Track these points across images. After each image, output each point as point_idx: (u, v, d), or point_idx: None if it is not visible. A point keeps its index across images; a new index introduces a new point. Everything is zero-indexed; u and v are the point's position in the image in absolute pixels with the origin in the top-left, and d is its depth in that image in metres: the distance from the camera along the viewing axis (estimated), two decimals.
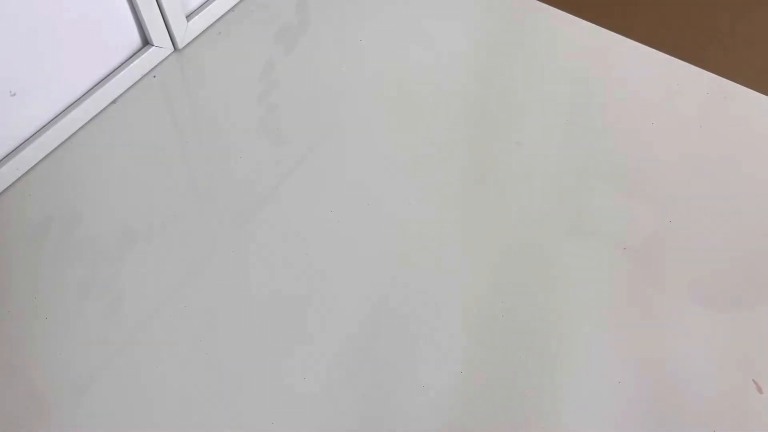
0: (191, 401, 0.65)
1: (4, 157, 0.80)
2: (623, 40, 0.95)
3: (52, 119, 0.84)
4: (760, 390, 0.65)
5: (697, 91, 0.89)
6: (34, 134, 0.82)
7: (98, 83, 0.87)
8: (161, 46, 0.92)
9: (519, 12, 0.99)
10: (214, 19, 0.98)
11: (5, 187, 0.81)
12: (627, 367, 0.67)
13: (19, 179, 0.81)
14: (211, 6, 0.96)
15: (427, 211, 0.78)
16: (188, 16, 0.94)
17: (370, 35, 0.97)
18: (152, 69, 0.92)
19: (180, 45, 0.94)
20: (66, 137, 0.85)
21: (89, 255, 0.75)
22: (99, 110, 0.88)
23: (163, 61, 0.93)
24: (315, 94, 0.90)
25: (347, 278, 0.73)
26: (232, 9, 1.00)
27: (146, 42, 0.91)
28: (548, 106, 0.88)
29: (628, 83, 0.90)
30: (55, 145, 0.84)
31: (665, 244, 0.75)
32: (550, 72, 0.92)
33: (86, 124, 0.86)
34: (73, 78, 0.84)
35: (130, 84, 0.90)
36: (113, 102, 0.89)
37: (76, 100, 0.86)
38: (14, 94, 0.78)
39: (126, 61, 0.89)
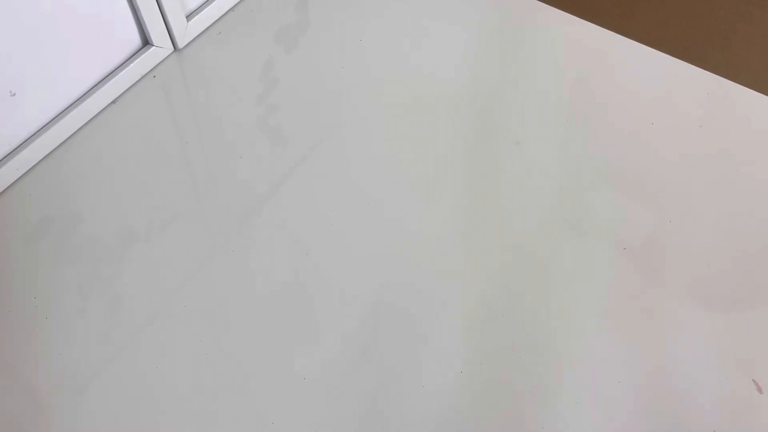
0: (191, 401, 0.65)
1: (4, 157, 0.80)
2: (623, 40, 0.95)
3: (52, 119, 0.84)
4: (760, 390, 0.65)
5: (697, 91, 0.89)
6: (34, 134, 0.82)
7: (98, 83, 0.87)
8: (161, 46, 0.92)
9: (519, 12, 0.99)
10: (214, 19, 0.98)
11: (5, 187, 0.81)
12: (627, 367, 0.67)
13: (19, 179, 0.81)
14: (211, 6, 0.96)
15: (427, 211, 0.78)
16: (188, 16, 0.94)
17: (370, 35, 0.97)
18: (152, 69, 0.92)
19: (180, 45, 0.94)
20: (66, 137, 0.85)
21: (89, 255, 0.75)
22: (99, 110, 0.88)
23: (163, 61, 0.93)
24: (315, 94, 0.90)
25: (347, 278, 0.73)
26: (232, 9, 1.00)
27: (146, 42, 0.91)
28: (548, 106, 0.88)
29: (628, 83, 0.90)
30: (55, 145, 0.84)
31: (665, 244, 0.75)
32: (550, 72, 0.92)
33: (86, 124, 0.86)
34: (73, 78, 0.84)
35: (130, 84, 0.90)
36: (113, 102, 0.89)
37: (76, 100, 0.86)
38: (14, 94, 0.78)
39: (126, 61, 0.89)
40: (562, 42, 0.95)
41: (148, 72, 0.92)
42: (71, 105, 0.85)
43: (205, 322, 0.70)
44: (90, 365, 0.67)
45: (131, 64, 0.89)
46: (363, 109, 0.88)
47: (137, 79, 0.91)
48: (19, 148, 0.81)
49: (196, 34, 0.96)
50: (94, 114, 0.87)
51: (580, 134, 0.85)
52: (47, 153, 0.84)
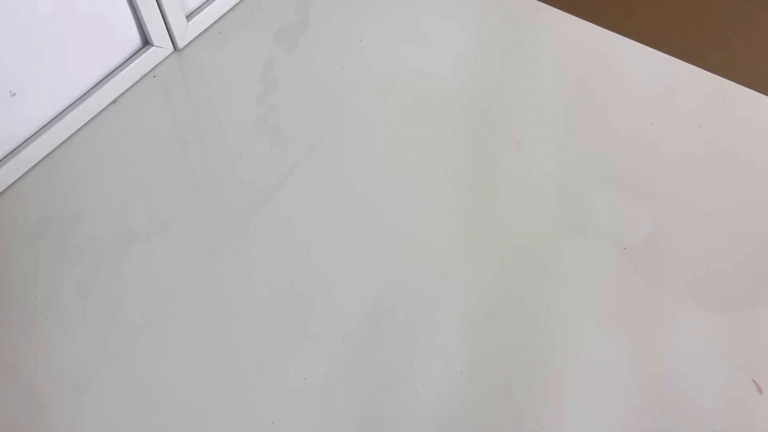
0: (191, 401, 0.65)
1: (4, 157, 0.80)
2: (623, 40, 0.95)
3: (52, 119, 0.84)
4: (760, 390, 0.65)
5: (697, 91, 0.89)
6: (34, 134, 0.82)
7: (98, 83, 0.87)
8: (161, 46, 0.92)
9: (519, 12, 0.99)
10: (214, 19, 0.98)
11: (5, 187, 0.81)
12: (627, 367, 0.67)
13: (19, 179, 0.81)
14: (211, 6, 0.96)
15: (427, 211, 0.78)
16: (188, 16, 0.94)
17: (370, 35, 0.97)
18: (152, 69, 0.92)
19: (180, 45, 0.94)
20: (66, 137, 0.85)
21: (89, 255, 0.75)
22: (99, 110, 0.88)
23: (163, 61, 0.93)
24: (315, 94, 0.90)
25: (347, 278, 0.73)
26: (232, 9, 1.00)
27: (146, 42, 0.91)
28: (548, 107, 0.88)
29: (628, 83, 0.90)
30: (55, 145, 0.84)
31: (665, 244, 0.75)
32: (550, 72, 0.92)
33: (86, 124, 0.86)
34: (73, 78, 0.84)
35: (130, 84, 0.90)
36: (113, 102, 0.89)
37: (76, 100, 0.86)
38: (14, 94, 0.78)
39: (126, 61, 0.89)
40: (562, 42, 0.95)
41: (148, 72, 0.92)
42: (71, 105, 0.85)
43: (205, 322, 0.70)
44: (90, 365, 0.67)
45: (131, 64, 0.89)
46: (363, 109, 0.88)
47: (137, 79, 0.91)
48: (19, 148, 0.81)
49: (196, 34, 0.96)
50: (94, 114, 0.87)
51: (580, 134, 0.85)
52: (47, 153, 0.84)
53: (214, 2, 0.97)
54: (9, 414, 0.65)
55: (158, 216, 0.78)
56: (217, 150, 0.84)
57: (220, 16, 0.99)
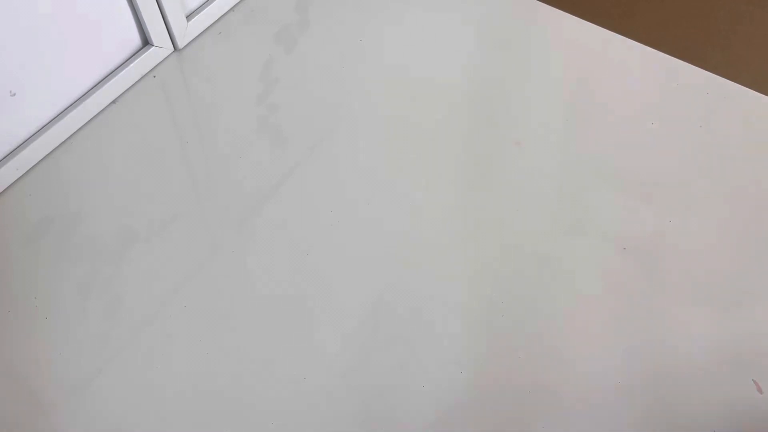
0: (191, 401, 0.65)
1: (4, 157, 0.80)
2: (623, 40, 0.95)
3: (52, 119, 0.84)
4: (760, 390, 0.65)
5: (697, 91, 0.89)
6: (34, 134, 0.82)
7: (98, 83, 0.87)
8: (161, 46, 0.92)
9: (519, 12, 0.99)
10: (214, 19, 0.98)
11: (5, 187, 0.81)
12: (627, 367, 0.67)
13: (19, 179, 0.81)
14: (211, 6, 0.96)
15: (427, 211, 0.78)
16: (188, 16, 0.94)
17: (370, 35, 0.97)
18: (152, 69, 0.92)
19: (180, 45, 0.94)
20: (66, 137, 0.85)
21: (89, 255, 0.75)
22: (99, 110, 0.88)
23: (163, 61, 0.93)
24: (315, 93, 0.90)
25: (347, 278, 0.73)
26: (232, 9, 1.00)
27: (146, 42, 0.91)
28: (548, 106, 0.88)
29: (628, 83, 0.90)
30: (55, 145, 0.84)
31: (665, 244, 0.75)
32: (550, 72, 0.92)
33: (86, 124, 0.86)
34: (73, 78, 0.84)
35: (130, 84, 0.90)
36: (113, 102, 0.89)
37: (76, 100, 0.86)
38: (14, 94, 0.78)
39: (126, 61, 0.89)
40: (562, 42, 0.95)
41: (148, 72, 0.92)
42: (71, 105, 0.85)
43: (205, 322, 0.70)
44: (90, 365, 0.67)
45: (131, 64, 0.89)
46: (363, 109, 0.88)
47: (137, 79, 0.91)
48: (19, 148, 0.81)
49: (196, 34, 0.96)
50: (94, 114, 0.87)
51: (580, 134, 0.85)
52: (47, 153, 0.84)
53: (214, 2, 0.97)
54: (9, 414, 0.65)
55: (158, 216, 0.78)
56: (217, 150, 0.84)
57: (220, 16, 0.99)
